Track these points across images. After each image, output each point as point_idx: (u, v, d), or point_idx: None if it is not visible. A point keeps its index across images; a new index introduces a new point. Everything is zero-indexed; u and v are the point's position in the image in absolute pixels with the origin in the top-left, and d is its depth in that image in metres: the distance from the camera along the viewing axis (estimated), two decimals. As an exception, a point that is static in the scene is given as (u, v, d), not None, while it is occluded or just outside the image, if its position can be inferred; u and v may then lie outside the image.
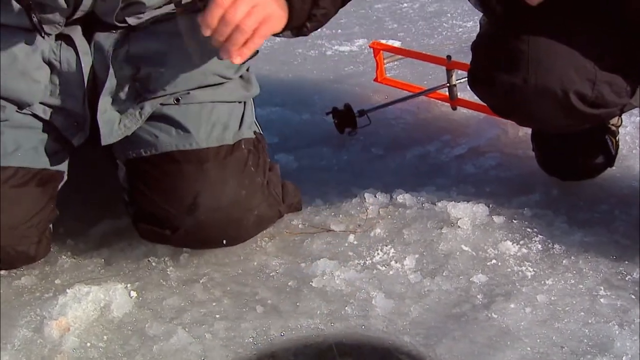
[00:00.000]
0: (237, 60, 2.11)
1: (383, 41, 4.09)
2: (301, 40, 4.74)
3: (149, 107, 2.45)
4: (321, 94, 3.95)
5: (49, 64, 2.39)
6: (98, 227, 2.79)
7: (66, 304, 2.26)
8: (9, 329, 2.25)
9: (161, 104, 2.47)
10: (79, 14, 2.34)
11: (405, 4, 5.37)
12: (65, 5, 2.28)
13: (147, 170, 2.50)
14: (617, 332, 2.12)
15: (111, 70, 2.39)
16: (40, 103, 2.43)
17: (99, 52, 2.42)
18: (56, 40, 2.39)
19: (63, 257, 2.64)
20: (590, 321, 2.19)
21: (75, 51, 2.39)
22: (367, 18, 5.21)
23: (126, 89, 2.43)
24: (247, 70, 2.66)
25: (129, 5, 2.37)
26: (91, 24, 2.42)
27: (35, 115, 2.43)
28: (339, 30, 4.95)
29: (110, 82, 2.39)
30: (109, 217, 2.81)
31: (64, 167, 2.52)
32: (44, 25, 2.30)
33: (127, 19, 2.40)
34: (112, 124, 2.42)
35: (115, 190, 2.64)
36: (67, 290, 2.31)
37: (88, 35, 2.42)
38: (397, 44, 4.32)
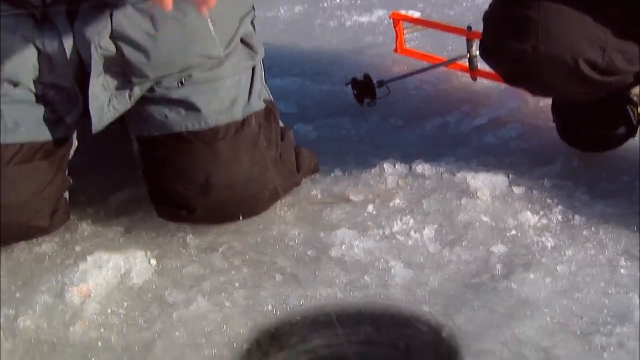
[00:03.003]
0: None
1: (403, 12, 4.06)
2: (320, 11, 4.72)
3: (138, 90, 2.44)
4: (340, 65, 3.94)
5: (34, 44, 2.36)
6: (118, 196, 2.81)
7: (87, 270, 2.27)
8: (30, 294, 2.27)
9: (166, 87, 2.46)
10: None
11: (425, -25, 5.33)
12: None
13: (159, 151, 2.51)
14: (637, 302, 2.11)
15: (94, 52, 2.33)
16: (33, 80, 2.41)
17: (81, 32, 2.34)
18: (38, 20, 2.35)
19: (83, 224, 2.65)
20: (610, 291, 2.18)
21: (58, 32, 2.34)
22: (386, -12, 5.17)
23: (114, 69, 2.40)
24: (244, 42, 2.60)
25: None
26: (74, 3, 2.36)
27: (31, 91, 2.42)
28: (358, 1, 4.92)
29: (96, 65, 2.35)
30: (129, 185, 2.82)
31: (69, 134, 2.52)
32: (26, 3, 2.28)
33: None
34: (102, 109, 2.41)
35: (134, 159, 2.64)
36: (88, 257, 2.32)
37: (71, 15, 2.35)
38: (417, 14, 4.27)
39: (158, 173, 2.52)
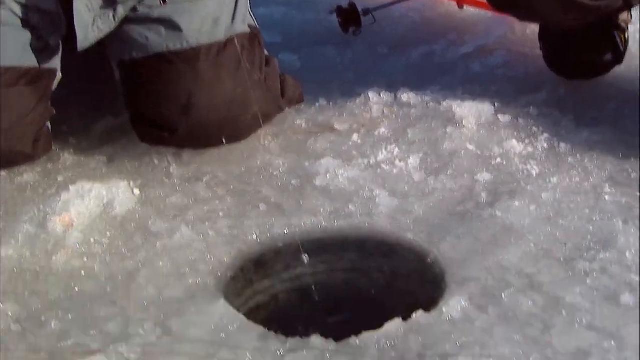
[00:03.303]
0: None
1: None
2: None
3: (121, 9, 2.40)
4: (325, -8, 3.87)
5: None
6: (100, 125, 2.77)
7: (69, 200, 2.25)
8: (12, 224, 2.25)
9: (149, 7, 2.42)
10: None
11: None
12: None
13: (141, 73, 2.48)
14: (621, 228, 2.12)
15: None
16: (16, 2, 2.36)
17: None
18: None
19: (65, 154, 2.62)
20: (594, 218, 2.18)
21: None
22: None
23: None
24: None
25: None
26: None
27: (15, 14, 2.37)
28: None
29: None
30: (111, 114, 2.79)
31: (55, 64, 2.48)
32: None
33: None
34: (87, 27, 2.37)
35: (116, 87, 2.61)
36: (70, 187, 2.29)
37: None
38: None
39: (140, 96, 2.49)
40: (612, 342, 1.76)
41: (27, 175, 2.49)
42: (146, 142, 2.55)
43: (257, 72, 2.52)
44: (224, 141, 2.48)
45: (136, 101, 2.49)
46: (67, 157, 2.61)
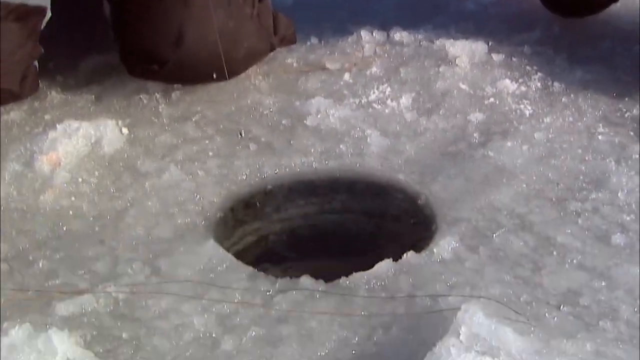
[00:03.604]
0: None
1: None
2: None
3: None
4: None
5: None
6: (87, 63, 2.73)
7: (56, 139, 2.22)
8: (-1, 163, 2.23)
9: None
10: None
11: None
12: None
13: (131, 7, 2.44)
14: (613, 168, 2.11)
15: None
16: None
17: None
18: None
19: (52, 92, 2.58)
20: (587, 158, 2.17)
21: None
22: None
23: None
24: None
25: None
26: None
27: None
28: None
29: None
30: (99, 52, 2.74)
31: (45, 1, 2.42)
32: None
33: None
34: None
35: (104, 25, 2.56)
36: (57, 126, 2.26)
37: None
38: None
39: (130, 28, 2.45)
40: (603, 282, 1.75)
41: (14, 113, 2.46)
42: (135, 76, 2.51)
43: (250, 7, 2.47)
44: (214, 77, 2.43)
45: (126, 34, 2.45)
46: (54, 95, 2.57)
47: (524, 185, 2.08)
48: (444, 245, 1.88)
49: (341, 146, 2.30)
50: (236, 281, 1.83)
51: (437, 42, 2.74)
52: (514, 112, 2.39)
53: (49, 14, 2.44)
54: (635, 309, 1.68)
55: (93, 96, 2.57)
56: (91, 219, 2.05)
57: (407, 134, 2.34)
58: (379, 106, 2.47)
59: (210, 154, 2.30)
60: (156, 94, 2.55)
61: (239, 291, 1.80)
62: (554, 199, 2.02)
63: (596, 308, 1.69)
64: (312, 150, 2.29)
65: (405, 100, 2.48)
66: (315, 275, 1.84)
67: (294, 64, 2.73)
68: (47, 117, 2.45)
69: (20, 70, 2.35)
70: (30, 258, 1.91)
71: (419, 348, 1.56)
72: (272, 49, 2.62)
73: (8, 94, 2.38)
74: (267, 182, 2.21)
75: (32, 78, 2.43)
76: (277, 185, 2.22)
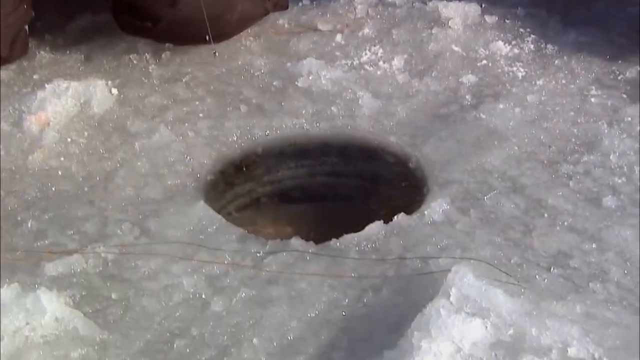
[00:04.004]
0: None
1: None
2: None
3: None
4: None
5: None
6: (77, 22, 2.70)
7: (45, 99, 2.20)
8: (-14, 123, 2.21)
9: None
10: None
11: None
12: None
13: None
14: (606, 130, 2.10)
15: None
16: None
17: None
18: None
19: (41, 52, 2.55)
20: (579, 120, 2.16)
21: None
22: None
23: None
24: None
25: None
26: None
27: None
28: None
29: None
30: (88, 11, 2.71)
31: None
32: None
33: None
34: None
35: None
36: (46, 86, 2.24)
37: None
38: None
39: None
40: (593, 244, 1.75)
41: (2, 72, 2.43)
42: (127, 32, 2.49)
43: None
44: (207, 39, 2.40)
45: None
46: (43, 55, 2.55)
47: (516, 148, 2.07)
48: (435, 208, 1.88)
49: (333, 108, 2.29)
50: (226, 242, 1.83)
51: (430, 4, 2.72)
52: (506, 75, 2.37)
53: None
54: (625, 271, 1.68)
55: (82, 56, 2.55)
56: (80, 179, 2.04)
57: (398, 95, 2.33)
58: (371, 68, 2.45)
59: (201, 115, 2.28)
60: (146, 54, 2.52)
61: (228, 252, 1.79)
62: (545, 162, 2.01)
63: (586, 270, 1.69)
64: (304, 112, 2.28)
65: (398, 62, 2.46)
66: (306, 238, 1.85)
67: (285, 25, 2.70)
68: (35, 76, 2.43)
69: (11, 35, 2.34)
70: (19, 218, 1.90)
71: (409, 310, 1.56)
72: (266, 13, 2.60)
73: None
74: (257, 144, 2.20)
75: (21, 41, 2.42)
76: (267, 147, 2.21)
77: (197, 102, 2.33)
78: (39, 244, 1.82)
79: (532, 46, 2.49)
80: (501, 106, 2.23)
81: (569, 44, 2.48)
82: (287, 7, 2.76)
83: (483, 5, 2.67)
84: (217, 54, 2.43)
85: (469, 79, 2.37)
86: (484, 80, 2.37)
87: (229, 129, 2.23)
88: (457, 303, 1.50)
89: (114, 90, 2.35)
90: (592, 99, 2.23)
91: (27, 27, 2.45)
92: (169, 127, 2.21)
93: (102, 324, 1.61)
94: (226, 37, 2.49)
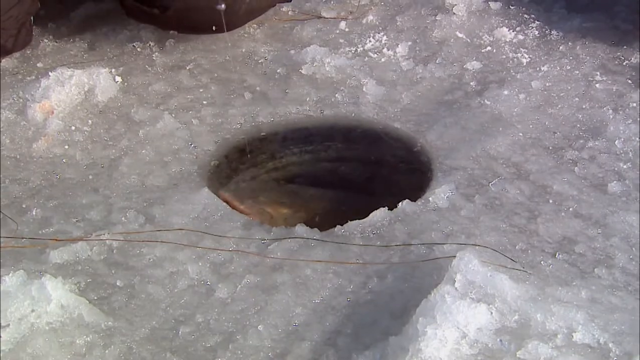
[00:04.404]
0: None
1: None
2: None
3: None
4: None
5: None
6: (80, 10, 2.70)
7: (49, 87, 2.19)
8: (-9, 111, 2.21)
9: None
10: None
11: None
12: None
13: None
14: (611, 116, 2.09)
15: None
16: None
17: None
18: None
19: (45, 40, 2.55)
20: (584, 106, 2.15)
21: None
22: None
23: None
24: None
25: None
26: None
27: None
28: None
29: None
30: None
31: None
32: None
33: None
34: None
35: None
36: (50, 74, 2.23)
37: None
38: None
39: None
40: (598, 230, 1.75)
41: (6, 61, 2.43)
42: (133, 18, 2.48)
43: None
44: (213, 28, 2.39)
45: None
46: (47, 43, 2.54)
47: (521, 134, 2.06)
48: (440, 194, 1.87)
49: (337, 95, 2.28)
50: (231, 229, 1.83)
51: (434, -10, 2.71)
52: (511, 61, 2.37)
53: None
54: (631, 257, 1.68)
55: (86, 44, 2.54)
56: (85, 167, 2.04)
57: (403, 82, 2.32)
58: (375, 55, 2.45)
59: (205, 102, 2.28)
60: (150, 42, 2.52)
61: (233, 239, 1.79)
62: (550, 148, 2.01)
63: (591, 255, 1.69)
64: (308, 99, 2.28)
65: (402, 48, 2.46)
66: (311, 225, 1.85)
67: (289, 12, 2.70)
68: (39, 65, 2.42)
69: (16, 27, 2.33)
70: (24, 206, 1.90)
71: (414, 296, 1.57)
72: (272, 5, 2.59)
73: (1, 50, 2.36)
74: (261, 131, 2.19)
75: (26, 32, 2.41)
76: (272, 133, 2.20)
77: (201, 90, 2.33)
78: (43, 231, 1.82)
79: (536, 32, 2.48)
80: (506, 92, 2.22)
81: (573, 29, 2.47)
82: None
83: (487, -8, 2.67)
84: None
85: (473, 65, 2.36)
86: (489, 66, 2.36)
87: (233, 116, 2.23)
88: (462, 289, 1.50)
89: (118, 78, 2.35)
90: (597, 85, 2.22)
91: (32, 18, 2.44)
92: (173, 115, 2.21)
93: (107, 311, 1.61)
94: (233, 27, 2.49)
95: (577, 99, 2.18)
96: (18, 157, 2.07)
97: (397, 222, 1.82)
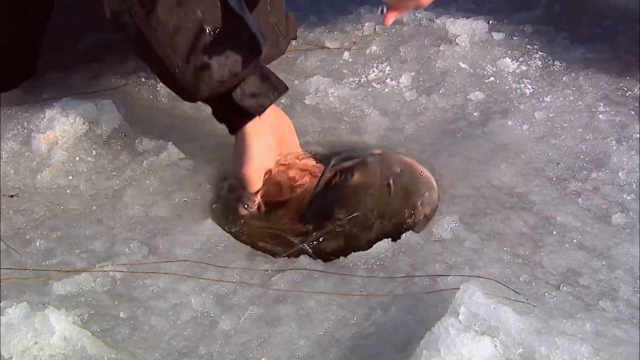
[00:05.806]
0: None
1: None
2: None
3: None
4: None
5: None
6: (86, 41, 2.70)
7: (54, 117, 2.19)
8: (-4, 142, 2.21)
9: None
10: None
11: None
12: None
13: None
14: (614, 147, 2.09)
15: None
16: None
17: None
18: None
19: (50, 70, 2.56)
20: (587, 137, 2.16)
21: None
22: None
23: None
24: None
25: None
26: None
27: None
28: None
29: None
30: (97, 30, 2.71)
31: None
32: None
33: None
34: None
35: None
36: (55, 104, 2.23)
37: None
38: None
39: None
40: (602, 262, 1.75)
41: (11, 91, 2.43)
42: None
43: (274, 15, 2.45)
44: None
45: None
46: (52, 74, 2.55)
47: (524, 165, 2.07)
48: (443, 225, 1.87)
49: (340, 125, 2.29)
50: (234, 260, 1.83)
51: (437, 21, 2.72)
52: (514, 91, 2.37)
53: None
54: (635, 289, 1.67)
55: (91, 74, 2.55)
56: (88, 198, 2.04)
57: (406, 113, 2.33)
58: (379, 85, 2.46)
59: (209, 133, 2.28)
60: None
61: (237, 271, 1.79)
62: (554, 179, 2.01)
63: (596, 288, 1.69)
64: (311, 130, 2.28)
65: (405, 79, 2.47)
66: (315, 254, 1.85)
67: (293, 43, 2.71)
68: (44, 95, 2.42)
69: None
70: (28, 237, 1.90)
71: (417, 328, 1.56)
72: (281, 54, 2.60)
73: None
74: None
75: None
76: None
77: (204, 121, 2.33)
78: (47, 262, 1.82)
79: (539, 63, 2.49)
80: (509, 123, 2.23)
81: (576, 60, 2.48)
82: (297, 37, 2.75)
83: (490, 22, 2.68)
84: None
85: (476, 95, 2.37)
86: (492, 97, 2.37)
87: (237, 146, 2.22)
88: (466, 321, 1.50)
89: (122, 109, 2.35)
90: (600, 116, 2.23)
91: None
92: (177, 145, 2.21)
93: (110, 343, 1.61)
94: None
95: (580, 129, 2.18)
96: (22, 187, 2.06)
97: (401, 254, 1.82)
